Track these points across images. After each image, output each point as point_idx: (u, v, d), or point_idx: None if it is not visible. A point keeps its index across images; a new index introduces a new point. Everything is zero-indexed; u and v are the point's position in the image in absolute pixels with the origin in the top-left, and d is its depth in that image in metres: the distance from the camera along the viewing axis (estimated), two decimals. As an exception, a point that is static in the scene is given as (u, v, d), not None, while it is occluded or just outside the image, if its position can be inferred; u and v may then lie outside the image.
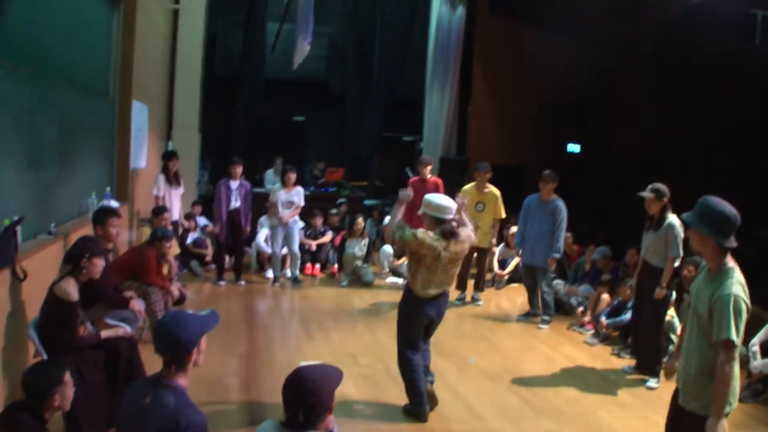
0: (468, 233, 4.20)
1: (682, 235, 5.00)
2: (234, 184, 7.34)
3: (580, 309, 6.68)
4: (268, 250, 8.09)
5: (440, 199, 4.14)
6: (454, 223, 4.08)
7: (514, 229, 7.90)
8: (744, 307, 2.64)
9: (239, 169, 7.33)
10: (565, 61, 10.14)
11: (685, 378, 2.82)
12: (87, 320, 3.92)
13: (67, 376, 2.82)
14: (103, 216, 4.37)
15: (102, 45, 6.17)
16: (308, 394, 2.11)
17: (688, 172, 9.41)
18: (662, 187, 5.07)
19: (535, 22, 10.60)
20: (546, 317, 6.66)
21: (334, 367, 2.25)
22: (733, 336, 2.61)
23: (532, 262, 6.67)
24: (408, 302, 4.20)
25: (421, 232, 4.02)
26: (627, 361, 5.53)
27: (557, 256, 6.55)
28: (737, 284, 2.67)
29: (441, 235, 4.00)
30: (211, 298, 6.89)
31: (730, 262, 2.73)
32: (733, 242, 2.69)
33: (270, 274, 7.89)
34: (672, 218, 5.04)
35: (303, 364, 2.35)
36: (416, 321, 4.19)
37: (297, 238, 7.73)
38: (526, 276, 6.85)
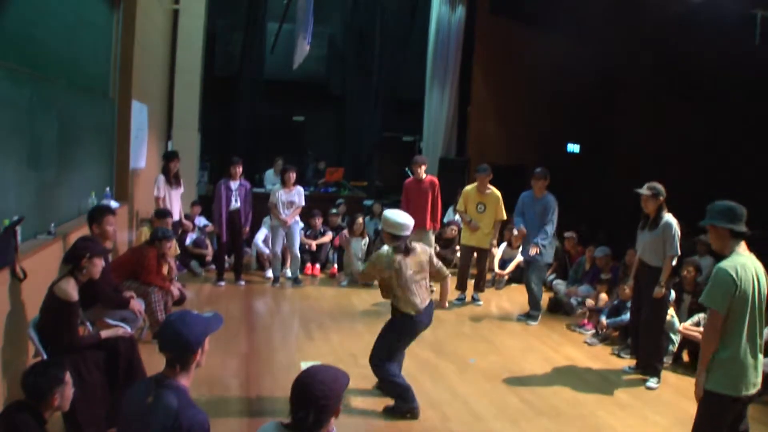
0: (423, 246, 4.39)
1: (679, 233, 5.01)
2: (234, 184, 7.33)
3: (585, 319, 6.63)
4: (266, 250, 8.09)
5: (397, 216, 4.27)
6: (408, 241, 4.25)
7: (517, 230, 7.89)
8: (728, 280, 2.97)
9: (239, 169, 7.32)
10: (565, 61, 10.15)
11: None
12: (87, 320, 3.92)
13: (67, 376, 2.82)
14: (99, 214, 4.37)
15: (102, 45, 6.17)
16: (320, 396, 2.10)
17: (688, 172, 9.42)
18: (659, 186, 5.08)
19: (535, 22, 10.60)
20: (533, 313, 6.72)
21: (341, 369, 2.25)
22: (705, 300, 3.05)
23: (528, 257, 6.72)
24: (401, 326, 4.23)
25: (374, 256, 4.25)
26: (627, 361, 5.52)
27: (543, 242, 6.47)
28: (729, 262, 3.02)
29: (394, 251, 4.18)
30: (211, 299, 6.89)
31: (740, 249, 3.06)
32: (743, 228, 3.06)
33: (270, 274, 7.89)
34: (668, 217, 5.04)
35: (303, 364, 2.35)
36: (409, 338, 4.31)
37: (297, 238, 7.73)
38: (526, 273, 6.88)
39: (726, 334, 3.03)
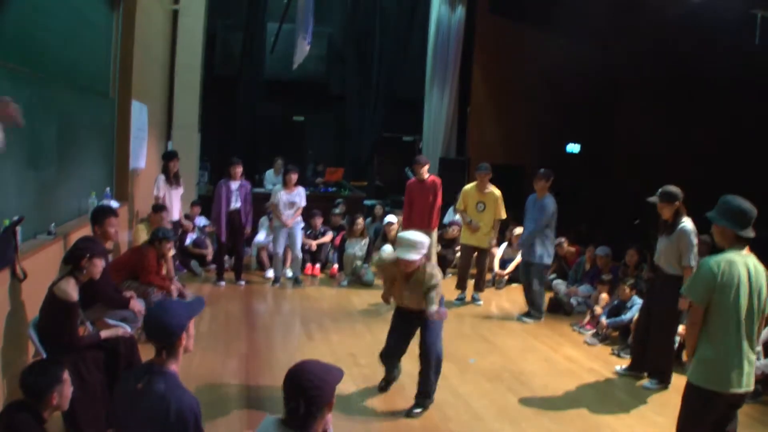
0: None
1: (695, 241, 4.71)
2: (234, 185, 7.34)
3: (587, 319, 6.59)
4: (267, 240, 8.11)
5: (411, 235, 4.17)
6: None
7: (518, 230, 7.89)
8: (708, 273, 3.00)
9: (239, 170, 7.33)
10: (565, 61, 10.15)
11: None
12: (87, 320, 3.92)
13: (65, 375, 2.82)
14: (101, 215, 4.37)
15: (102, 45, 6.17)
16: (309, 387, 2.10)
17: (688, 172, 9.41)
18: (672, 189, 4.80)
19: (535, 22, 10.62)
20: (535, 313, 6.73)
21: (336, 365, 2.26)
22: (684, 291, 3.19)
23: (526, 258, 6.74)
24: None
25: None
26: (626, 361, 5.48)
27: (522, 241, 6.60)
28: (715, 257, 3.03)
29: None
30: (211, 298, 6.88)
31: (742, 251, 3.04)
32: (750, 233, 3.03)
33: (270, 274, 7.90)
34: (685, 223, 4.75)
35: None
36: None
37: (300, 239, 7.74)
38: (522, 274, 6.88)
39: (710, 330, 3.03)
